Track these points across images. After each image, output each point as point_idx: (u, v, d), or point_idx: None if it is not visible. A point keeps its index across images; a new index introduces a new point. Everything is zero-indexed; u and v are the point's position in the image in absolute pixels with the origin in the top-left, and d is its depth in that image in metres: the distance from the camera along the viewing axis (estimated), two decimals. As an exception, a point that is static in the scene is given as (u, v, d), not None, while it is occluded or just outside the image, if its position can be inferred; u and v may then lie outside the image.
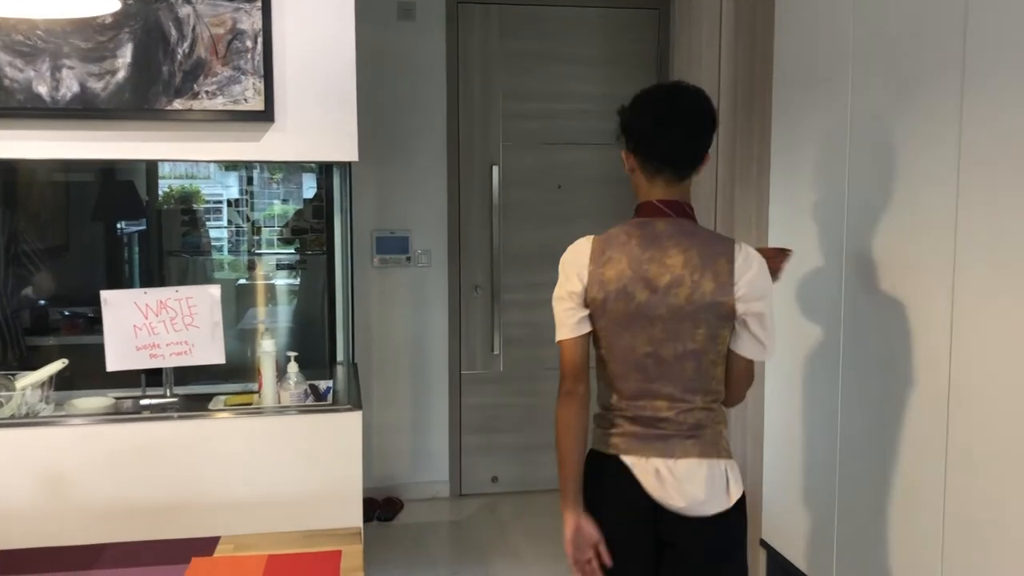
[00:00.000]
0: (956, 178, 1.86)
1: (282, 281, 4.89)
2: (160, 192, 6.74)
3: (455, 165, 4.45)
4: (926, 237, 1.96)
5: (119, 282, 5.88)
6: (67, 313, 4.31)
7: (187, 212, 6.64)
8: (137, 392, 2.75)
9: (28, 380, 2.59)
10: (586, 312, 1.94)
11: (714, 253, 1.85)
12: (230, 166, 8.05)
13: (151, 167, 6.54)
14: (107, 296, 2.43)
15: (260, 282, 5.11)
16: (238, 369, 3.18)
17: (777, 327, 1.88)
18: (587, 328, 1.94)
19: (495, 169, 4.43)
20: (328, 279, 4.58)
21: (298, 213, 4.69)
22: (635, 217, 1.95)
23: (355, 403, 2.60)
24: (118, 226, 6.03)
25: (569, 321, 1.95)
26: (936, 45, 1.92)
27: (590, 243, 1.97)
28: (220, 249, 7.43)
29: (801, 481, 2.54)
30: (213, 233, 7.62)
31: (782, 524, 2.68)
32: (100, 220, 5.85)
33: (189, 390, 2.85)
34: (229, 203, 8.10)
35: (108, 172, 6.49)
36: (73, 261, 6.09)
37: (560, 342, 1.97)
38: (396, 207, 4.45)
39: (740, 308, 1.83)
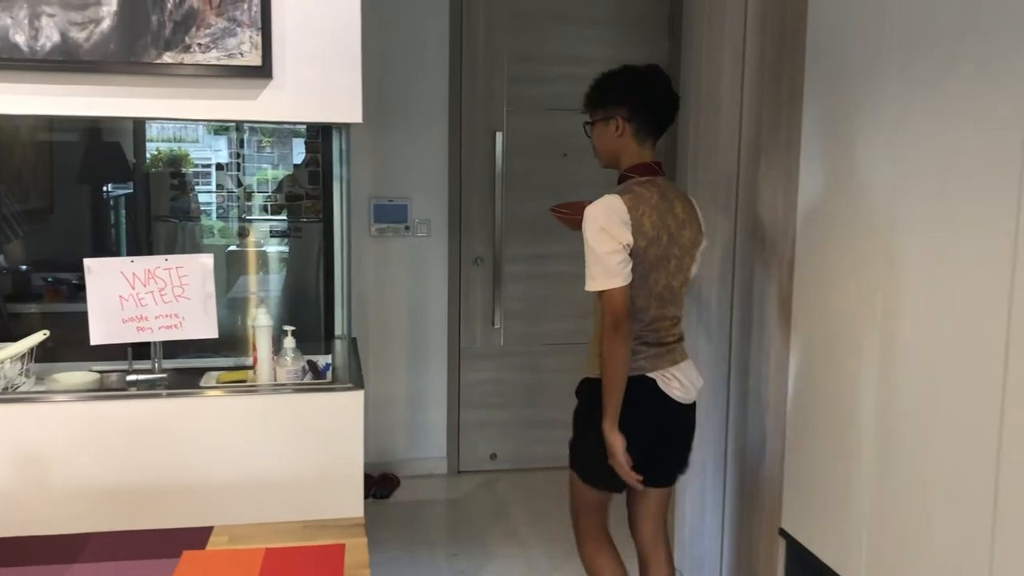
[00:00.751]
0: (1019, 168, 1.70)
1: (274, 249, 4.70)
2: (148, 155, 6.54)
3: (457, 131, 4.27)
4: (978, 231, 1.81)
5: (104, 247, 5.70)
6: (50, 279, 4.12)
7: (175, 176, 6.44)
8: (123, 366, 2.59)
9: (6, 353, 2.43)
10: (630, 261, 2.27)
11: (690, 203, 2.45)
12: (220, 129, 7.83)
13: (138, 128, 6.32)
14: (91, 264, 2.26)
15: (251, 249, 4.92)
16: (228, 341, 3.01)
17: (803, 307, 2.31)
18: (631, 275, 2.27)
19: (498, 136, 4.25)
20: (324, 248, 4.41)
21: (292, 178, 4.49)
22: (635, 176, 2.38)
23: (356, 381, 2.44)
24: (104, 189, 5.83)
25: (623, 270, 2.25)
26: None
27: (622, 200, 2.28)
28: (209, 215, 7.23)
29: (829, 467, 2.41)
30: (202, 198, 7.42)
31: (804, 513, 2.55)
32: (85, 182, 5.65)
33: (178, 363, 2.69)
34: (219, 167, 7.88)
35: (94, 132, 6.28)
36: (57, 224, 5.89)
37: (613, 290, 2.24)
38: (395, 174, 4.27)
39: (704, 244, 2.48)
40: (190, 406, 2.34)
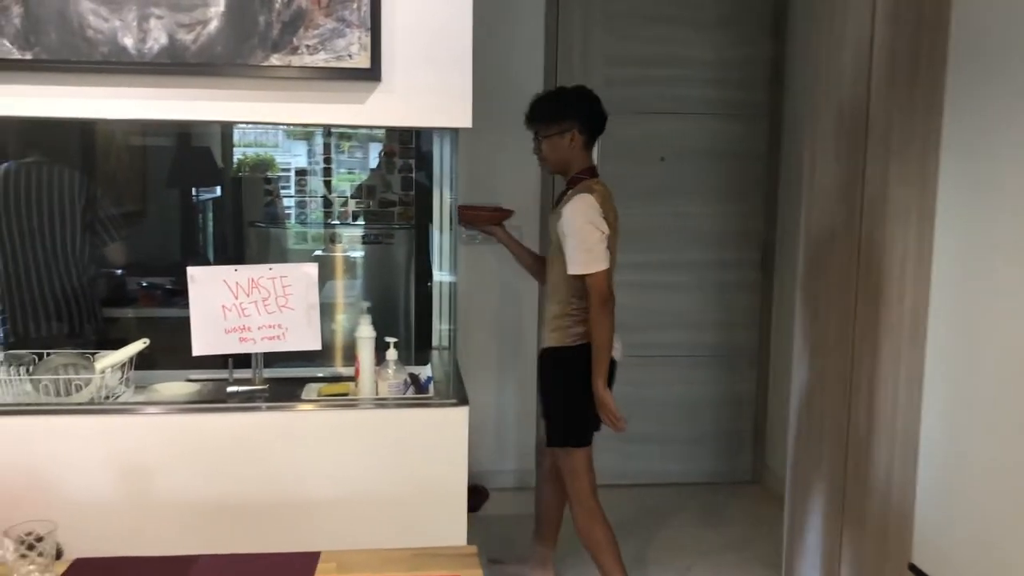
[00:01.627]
0: None
1: (364, 255, 4.64)
2: (235, 159, 6.59)
3: (552, 135, 4.14)
4: None
5: (194, 251, 5.74)
6: (144, 284, 4.13)
7: (265, 181, 6.48)
8: (222, 374, 2.53)
9: (107, 361, 2.39)
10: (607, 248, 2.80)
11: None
12: (301, 134, 7.87)
13: (226, 133, 6.38)
14: (194, 273, 2.20)
15: (339, 255, 4.89)
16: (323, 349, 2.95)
17: (955, 330, 2.23)
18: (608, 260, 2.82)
19: (595, 139, 4.10)
20: (417, 255, 4.34)
21: (384, 184, 4.43)
22: (586, 179, 2.93)
23: (460, 397, 2.33)
24: (193, 193, 5.88)
25: (605, 256, 2.80)
26: None
27: (592, 198, 2.81)
28: (299, 220, 7.24)
29: (967, 502, 2.21)
30: (291, 203, 7.42)
31: (938, 549, 2.35)
32: (176, 186, 5.71)
33: (276, 372, 2.63)
34: (299, 172, 7.89)
35: (184, 137, 6.34)
36: (151, 228, 5.97)
37: (601, 272, 2.79)
38: (487, 178, 4.17)
39: None
40: (291, 420, 2.26)
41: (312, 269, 2.24)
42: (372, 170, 4.65)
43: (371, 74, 2.14)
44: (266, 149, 7.78)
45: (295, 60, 2.11)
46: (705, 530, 3.91)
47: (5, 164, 3.52)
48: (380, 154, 3.48)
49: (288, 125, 3.97)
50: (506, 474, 4.26)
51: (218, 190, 6.00)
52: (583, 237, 2.74)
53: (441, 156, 2.64)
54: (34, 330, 3.54)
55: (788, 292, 4.16)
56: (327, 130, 7.80)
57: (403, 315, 4.11)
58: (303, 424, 2.26)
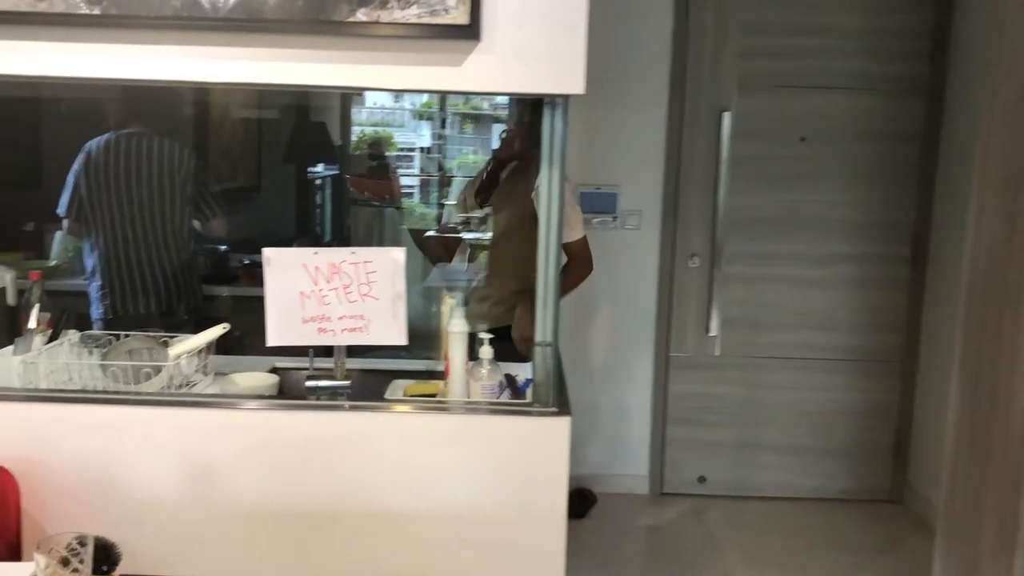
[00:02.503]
0: None
1: (474, 236, 4.37)
2: (352, 136, 6.47)
3: (678, 110, 3.79)
4: None
5: (308, 229, 5.64)
6: (246, 262, 4.01)
7: (375, 158, 6.33)
8: (302, 363, 2.32)
9: (182, 348, 2.21)
10: None
11: None
12: (425, 113, 7.72)
13: (344, 108, 6.26)
14: (270, 255, 1.98)
15: (450, 236, 4.65)
16: (419, 336, 2.71)
17: None
18: None
19: (725, 116, 3.72)
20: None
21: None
22: (530, 167, 2.79)
23: (562, 405, 2.04)
24: (309, 170, 5.78)
25: None
26: None
27: None
28: (412, 198, 7.07)
29: None
30: (408, 182, 7.25)
31: None
32: (291, 162, 5.61)
33: (362, 363, 2.41)
34: (423, 151, 7.72)
35: (301, 111, 6.25)
36: (264, 204, 5.90)
37: (584, 238, 2.90)
38: (603, 158, 3.85)
39: None
40: (374, 422, 2.02)
41: (399, 254, 1.98)
42: (494, 151, 4.37)
43: (470, 32, 1.86)
44: (390, 128, 7.69)
45: (384, 15, 1.85)
46: (835, 552, 3.50)
47: (105, 135, 3.42)
48: (502, 135, 3.20)
49: (370, 89, 3.73)
50: (616, 478, 3.95)
51: (336, 167, 5.89)
52: (576, 206, 2.92)
53: (552, 129, 2.34)
54: (132, 307, 3.44)
55: (943, 292, 3.68)
56: (444, 107, 7.61)
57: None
58: (386, 427, 2.02)
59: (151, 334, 2.38)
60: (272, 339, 2.01)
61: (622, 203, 3.86)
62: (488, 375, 2.12)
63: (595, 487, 3.90)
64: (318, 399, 2.07)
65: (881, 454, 3.97)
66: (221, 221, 3.58)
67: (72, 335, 2.32)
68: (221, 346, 2.45)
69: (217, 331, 2.25)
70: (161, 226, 3.44)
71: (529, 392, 2.16)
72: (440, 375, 2.21)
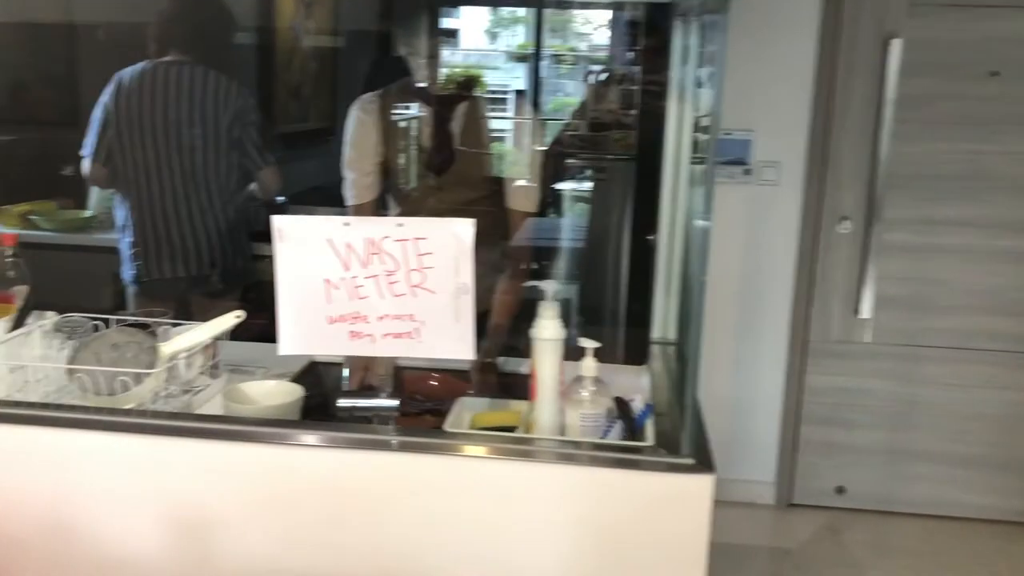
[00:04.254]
0: None
1: (567, 196, 3.67)
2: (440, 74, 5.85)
3: (831, 39, 3.02)
4: None
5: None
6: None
7: (465, 100, 5.68)
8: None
9: (180, 344, 1.64)
10: None
11: None
12: (520, 56, 7.11)
13: (432, 45, 5.65)
14: (282, 226, 1.38)
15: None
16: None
17: None
18: None
19: (894, 45, 2.94)
20: (635, 196, 3.36)
21: (599, 98, 3.40)
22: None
23: (701, 455, 1.40)
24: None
25: None
26: None
27: None
28: (502, 142, 6.44)
29: None
30: (500, 125, 6.67)
31: None
32: (371, 101, 5.03)
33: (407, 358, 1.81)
34: (518, 93, 7.12)
35: (382, 41, 5.64)
36: (338, 148, 5.36)
37: None
38: (735, 95, 3.10)
39: None
40: (430, 469, 1.42)
41: (466, 230, 1.35)
42: (601, 83, 3.61)
43: None
44: (483, 70, 7.10)
45: None
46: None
47: (140, 64, 2.88)
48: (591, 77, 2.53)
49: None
50: (735, 485, 3.29)
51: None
52: None
53: (683, 49, 1.67)
54: (169, 268, 2.92)
55: None
56: (538, 49, 6.94)
57: (610, 285, 3.15)
58: (446, 476, 1.41)
59: (155, 319, 1.83)
60: (286, 345, 1.42)
61: (756, 152, 3.14)
62: (591, 402, 1.49)
63: (720, 496, 3.25)
64: (352, 433, 1.47)
65: (1071, 469, 3.19)
66: (271, 173, 3.01)
67: (47, 319, 1.78)
68: (253, 330, 1.90)
69: (229, 320, 1.67)
70: (203, 173, 2.90)
71: (649, 427, 1.52)
72: (518, 387, 1.60)
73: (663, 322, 2.01)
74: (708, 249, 1.45)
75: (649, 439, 1.47)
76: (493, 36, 7.25)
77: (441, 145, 2.29)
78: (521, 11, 7.21)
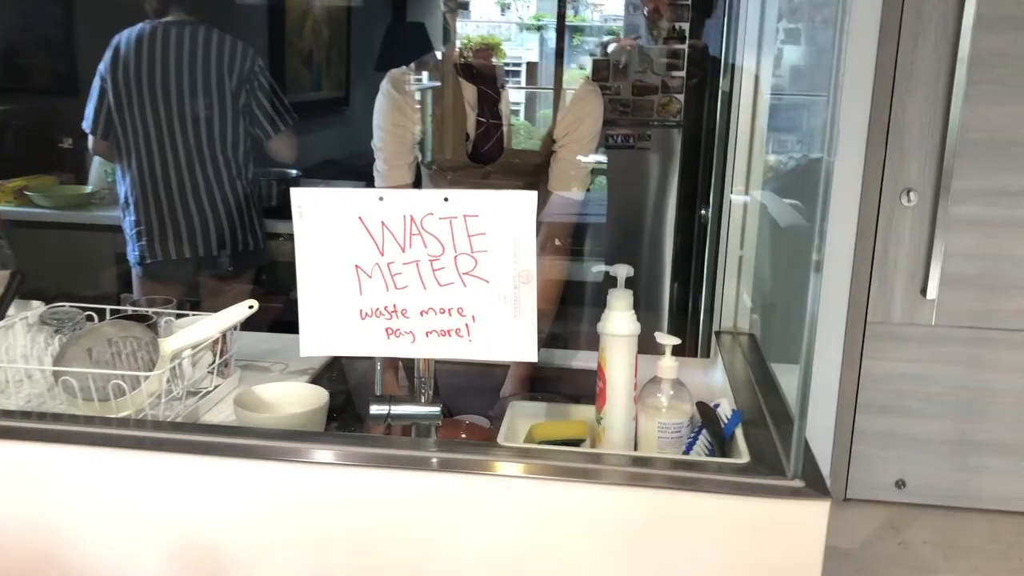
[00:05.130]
0: None
1: (605, 167, 3.38)
2: (457, 42, 5.60)
3: (898, -11, 2.75)
4: None
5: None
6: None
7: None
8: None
9: (186, 339, 1.41)
10: None
11: None
12: (533, 26, 6.87)
13: (448, 13, 5.40)
14: (303, 202, 1.14)
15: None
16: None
17: None
18: None
19: (968, -3, 2.66)
20: (682, 167, 3.07)
21: (643, 60, 3.12)
22: None
23: (813, 477, 1.16)
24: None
25: None
26: None
27: None
28: (517, 115, 6.21)
29: None
30: (519, 97, 6.46)
31: None
32: (385, 69, 4.78)
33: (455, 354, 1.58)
34: (530, 65, 6.87)
35: (398, 7, 5.39)
36: (354, 118, 5.13)
37: None
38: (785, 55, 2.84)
39: None
40: (480, 491, 1.18)
41: (527, 204, 1.11)
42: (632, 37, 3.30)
43: None
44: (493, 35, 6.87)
45: None
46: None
47: (139, 25, 2.64)
48: (643, 11, 2.26)
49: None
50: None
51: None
52: None
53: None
54: (174, 248, 2.70)
55: None
56: (561, 20, 6.69)
57: (652, 266, 2.86)
58: (501, 501, 1.18)
59: (156, 310, 1.59)
60: (309, 345, 1.18)
61: (809, 116, 2.87)
62: (669, 409, 1.24)
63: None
64: (386, 450, 1.23)
65: None
66: (283, 140, 2.77)
67: (33, 309, 1.55)
68: (269, 316, 1.68)
69: (238, 313, 1.44)
70: (209, 144, 2.67)
71: (739, 437, 1.28)
72: (591, 402, 1.35)
73: (734, 311, 1.77)
74: (825, 232, 1.20)
75: (743, 454, 1.22)
76: (504, 7, 7.07)
77: (489, 131, 2.00)
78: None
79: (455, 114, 1.98)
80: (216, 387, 1.48)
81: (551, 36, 6.69)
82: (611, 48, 3.00)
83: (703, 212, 2.39)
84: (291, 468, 1.20)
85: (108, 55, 2.62)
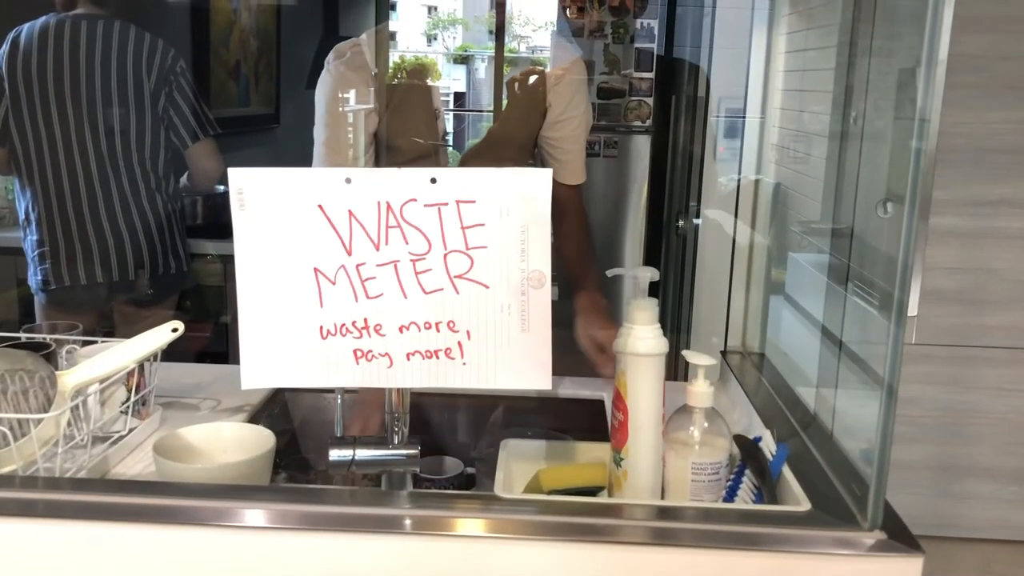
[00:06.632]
0: None
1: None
2: (389, 61, 5.39)
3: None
4: None
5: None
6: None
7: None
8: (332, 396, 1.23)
9: (92, 371, 1.11)
10: None
11: None
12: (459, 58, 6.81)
13: (379, 38, 5.20)
14: (243, 184, 0.87)
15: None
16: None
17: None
18: None
19: (945, -3, 2.54)
20: (653, 172, 2.86)
21: (609, 62, 2.91)
22: None
23: (896, 528, 0.93)
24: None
25: None
26: None
27: None
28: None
29: None
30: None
31: None
32: (314, 87, 4.53)
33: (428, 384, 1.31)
34: (456, 96, 6.73)
35: (330, 24, 5.15)
36: (284, 137, 4.84)
37: None
38: (731, 59, 2.69)
39: None
40: (469, 559, 0.92)
41: (540, 184, 0.86)
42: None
43: None
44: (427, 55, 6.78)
45: None
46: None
47: (42, 18, 2.33)
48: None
49: None
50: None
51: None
52: None
53: None
54: (83, 273, 2.38)
55: None
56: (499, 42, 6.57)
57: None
58: (495, 567, 0.92)
59: (57, 336, 1.29)
60: (252, 375, 0.90)
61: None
62: (703, 443, 1.01)
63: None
64: (348, 506, 0.97)
65: None
66: (209, 149, 2.48)
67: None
68: (194, 347, 1.39)
69: (160, 338, 1.15)
70: (124, 153, 2.37)
71: (789, 477, 1.04)
72: (605, 439, 1.10)
73: (741, 329, 1.56)
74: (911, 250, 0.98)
75: (800, 499, 0.99)
76: (430, 39, 7.07)
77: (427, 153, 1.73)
78: (459, 13, 6.91)
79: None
80: (131, 431, 1.19)
81: (479, 67, 6.58)
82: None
83: (680, 223, 2.19)
84: (227, 535, 0.92)
85: (4, 50, 2.31)
